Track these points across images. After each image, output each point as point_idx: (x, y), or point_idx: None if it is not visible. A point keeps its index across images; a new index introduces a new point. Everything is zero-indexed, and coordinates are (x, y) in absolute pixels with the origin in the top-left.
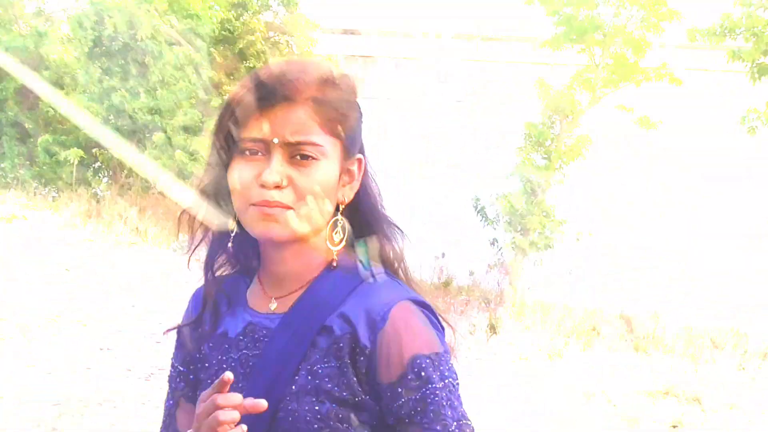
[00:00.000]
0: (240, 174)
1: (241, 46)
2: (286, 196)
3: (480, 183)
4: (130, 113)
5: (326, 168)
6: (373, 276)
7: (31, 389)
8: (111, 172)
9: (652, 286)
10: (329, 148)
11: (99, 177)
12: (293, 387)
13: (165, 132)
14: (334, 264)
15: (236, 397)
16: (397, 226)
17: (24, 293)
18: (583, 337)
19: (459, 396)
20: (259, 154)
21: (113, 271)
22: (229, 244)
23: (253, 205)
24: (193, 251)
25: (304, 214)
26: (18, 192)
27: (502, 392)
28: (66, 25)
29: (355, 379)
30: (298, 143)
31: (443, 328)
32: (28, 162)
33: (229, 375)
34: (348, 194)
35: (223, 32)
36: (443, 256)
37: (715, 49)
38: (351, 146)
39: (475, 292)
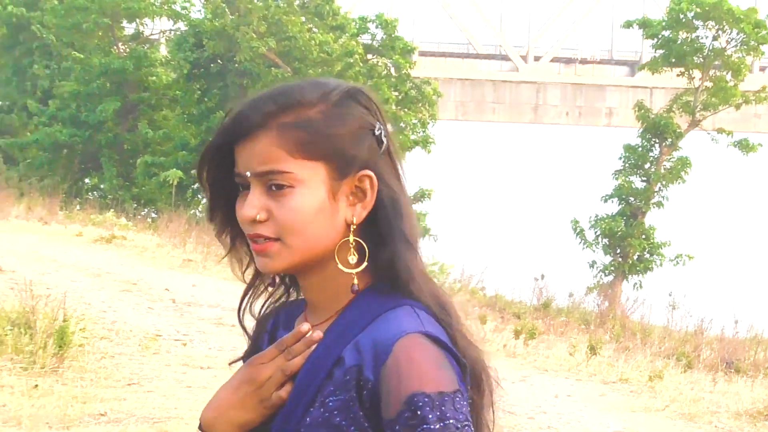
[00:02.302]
0: (237, 209)
1: (339, 68)
2: (268, 228)
3: (579, 205)
4: None
5: (304, 194)
6: (395, 303)
7: (132, 407)
8: None
9: (752, 308)
10: (305, 172)
11: (198, 198)
12: (308, 419)
13: None
14: (355, 288)
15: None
16: (410, 244)
17: (124, 312)
18: (684, 359)
19: None
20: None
21: (212, 290)
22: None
23: (248, 239)
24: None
25: (292, 243)
26: (117, 213)
27: (603, 413)
28: (164, 48)
29: (362, 413)
30: (266, 173)
31: (464, 366)
32: (127, 183)
33: (307, 325)
34: (359, 213)
35: (321, 54)
36: (542, 278)
37: None
38: (343, 165)
39: (575, 313)
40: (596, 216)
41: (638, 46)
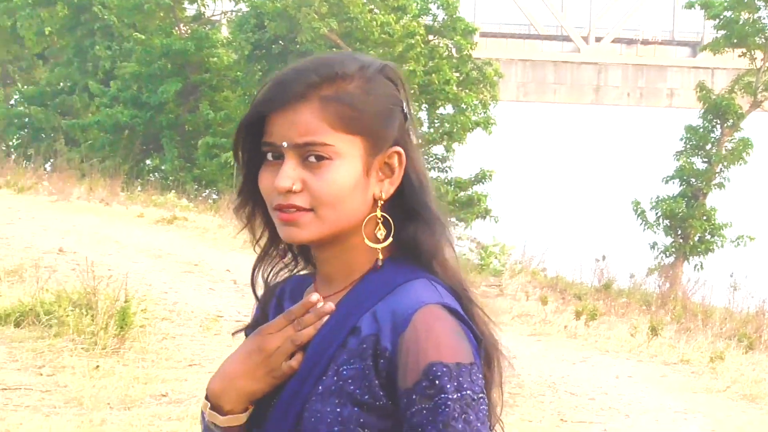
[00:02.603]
0: (263, 179)
1: (400, 49)
2: (302, 199)
3: (640, 186)
4: None
5: (342, 167)
6: (412, 276)
7: (194, 388)
8: None
9: None
10: (344, 146)
11: None
12: (320, 387)
13: None
14: (380, 263)
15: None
16: (439, 219)
17: (186, 293)
18: (745, 340)
19: (480, 411)
20: (281, 158)
21: None
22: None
23: (276, 209)
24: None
25: (324, 216)
26: (178, 194)
27: (664, 394)
28: (226, 29)
29: (377, 382)
30: (307, 144)
31: (479, 340)
32: (188, 164)
33: (317, 296)
34: (387, 189)
35: (382, 35)
36: (603, 259)
37: None
38: (378, 141)
39: (636, 294)
40: (657, 197)
41: (700, 27)
